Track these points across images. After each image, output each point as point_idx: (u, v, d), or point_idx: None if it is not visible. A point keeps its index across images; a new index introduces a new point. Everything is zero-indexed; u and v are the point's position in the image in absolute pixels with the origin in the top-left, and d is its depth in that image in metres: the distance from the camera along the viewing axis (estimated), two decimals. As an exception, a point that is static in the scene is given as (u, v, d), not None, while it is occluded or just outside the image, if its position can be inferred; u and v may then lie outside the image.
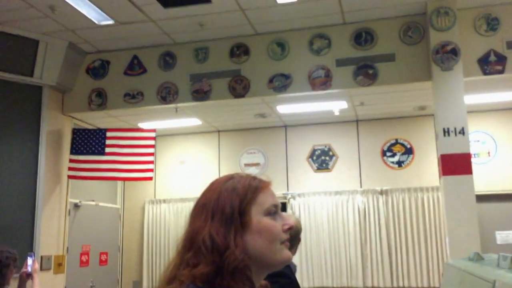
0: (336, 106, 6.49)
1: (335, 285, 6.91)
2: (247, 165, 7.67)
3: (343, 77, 5.79)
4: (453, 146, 5.13)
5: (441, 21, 5.37)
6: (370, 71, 5.69)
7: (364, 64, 5.72)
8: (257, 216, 1.06)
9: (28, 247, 5.76)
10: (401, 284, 6.74)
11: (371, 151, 7.22)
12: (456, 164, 5.06)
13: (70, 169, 6.43)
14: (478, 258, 2.74)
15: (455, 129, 5.13)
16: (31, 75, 6.13)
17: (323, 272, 6.97)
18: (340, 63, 5.82)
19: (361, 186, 7.15)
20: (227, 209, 1.04)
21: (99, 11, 5.44)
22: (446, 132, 5.15)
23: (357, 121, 7.36)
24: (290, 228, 1.10)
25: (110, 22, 5.71)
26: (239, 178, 1.12)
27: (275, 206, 1.10)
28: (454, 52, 5.27)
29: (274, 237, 1.06)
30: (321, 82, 5.85)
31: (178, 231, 7.62)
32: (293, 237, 2.43)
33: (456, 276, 3.07)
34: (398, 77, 5.65)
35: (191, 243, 1.03)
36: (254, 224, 1.05)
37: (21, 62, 6.05)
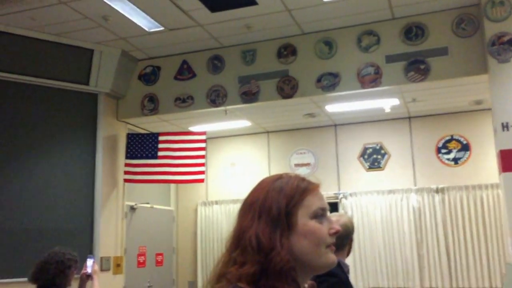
0: (387, 103, 6.35)
1: (390, 286, 6.77)
2: (297, 165, 7.64)
3: (393, 73, 5.67)
4: (512, 141, 4.90)
5: (496, 11, 5.15)
6: (422, 66, 5.54)
7: (415, 59, 5.57)
8: (303, 219, 1.06)
9: (88, 249, 6.00)
10: (460, 285, 6.51)
11: (425, 149, 7.02)
12: (516, 160, 4.83)
13: (125, 173, 6.64)
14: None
15: (514, 123, 4.90)
16: (87, 83, 6.38)
17: (378, 272, 6.83)
18: (390, 59, 5.69)
19: (415, 185, 6.97)
20: (274, 210, 1.04)
21: (149, 18, 5.59)
22: (505, 126, 4.93)
23: (409, 118, 7.18)
24: (336, 232, 1.09)
25: (160, 28, 5.85)
26: (287, 178, 1.11)
27: (322, 209, 1.09)
28: (511, 43, 5.04)
29: (320, 241, 1.06)
30: (370, 79, 5.75)
31: (230, 232, 7.68)
32: (344, 236, 2.40)
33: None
34: (451, 71, 5.46)
35: (238, 241, 1.04)
36: (300, 227, 1.05)
37: (77, 71, 6.31)
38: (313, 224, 1.06)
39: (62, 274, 3.08)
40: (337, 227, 1.09)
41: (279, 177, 1.12)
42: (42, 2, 5.18)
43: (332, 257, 1.08)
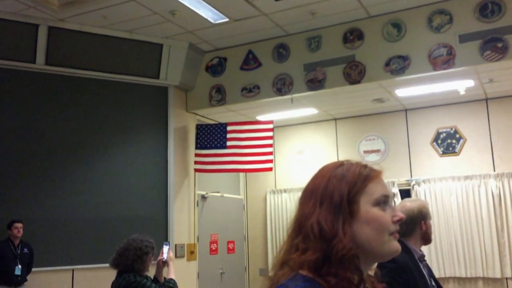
0: (462, 85, 6.05)
1: (468, 275, 6.50)
2: (366, 152, 7.49)
3: (467, 53, 5.38)
4: None
5: None
6: (499, 45, 5.21)
7: (491, 37, 5.26)
8: (366, 206, 1.04)
9: (163, 236, 6.25)
10: (546, 276, 6.13)
11: (505, 131, 6.62)
12: None
13: (195, 163, 6.82)
14: None
15: None
16: (157, 77, 6.60)
17: (455, 261, 6.58)
18: (464, 38, 5.41)
19: (494, 170, 6.61)
20: (336, 197, 1.03)
21: (215, 10, 5.67)
22: None
23: (486, 99, 6.79)
24: (399, 220, 1.06)
25: (225, 20, 5.92)
26: (349, 165, 1.10)
27: (385, 196, 1.07)
28: None
29: (383, 228, 1.04)
30: (443, 60, 5.50)
31: (292, 219, 7.69)
32: (408, 222, 2.34)
33: None
34: (533, 48, 5.10)
35: (300, 228, 1.04)
36: (362, 214, 1.03)
37: (148, 66, 6.54)
38: (376, 211, 1.04)
39: (140, 260, 3.22)
40: (400, 214, 1.07)
41: (340, 164, 1.11)
42: (114, 1, 5.40)
43: (395, 245, 1.06)
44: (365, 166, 1.10)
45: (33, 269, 5.55)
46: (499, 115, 6.71)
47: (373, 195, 1.05)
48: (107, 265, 6.03)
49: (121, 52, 6.33)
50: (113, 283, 3.29)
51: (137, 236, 3.35)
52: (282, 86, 6.37)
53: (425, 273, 2.36)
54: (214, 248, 7.36)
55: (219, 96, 6.79)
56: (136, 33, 6.25)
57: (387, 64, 5.76)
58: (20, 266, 5.38)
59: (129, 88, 6.51)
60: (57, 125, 6.06)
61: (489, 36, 5.26)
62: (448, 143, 6.95)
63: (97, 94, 6.35)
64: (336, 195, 1.03)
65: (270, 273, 1.09)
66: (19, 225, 5.45)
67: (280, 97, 6.42)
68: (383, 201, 1.06)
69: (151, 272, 3.47)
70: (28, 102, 5.95)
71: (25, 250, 5.52)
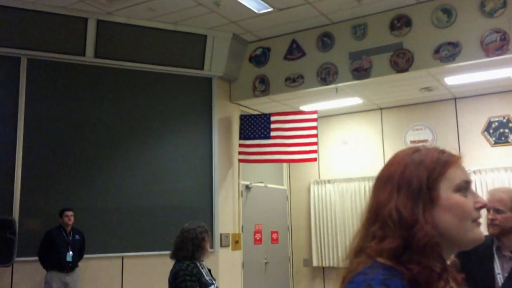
0: (516, 72, 5.80)
1: None
2: (413, 142, 7.31)
3: (523, 38, 5.14)
4: None
5: None
6: (558, 28, 4.95)
7: (549, 21, 5.00)
8: (446, 192, 1.00)
9: (209, 226, 6.30)
10: None
11: (562, 120, 6.32)
12: None
13: (240, 153, 6.86)
14: None
15: None
16: (202, 68, 6.65)
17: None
18: (519, 23, 5.17)
19: (549, 160, 6.32)
20: (414, 183, 1.00)
21: (259, 0, 5.65)
22: None
23: (542, 87, 6.49)
24: (482, 206, 1.02)
25: (269, 9, 5.89)
26: (426, 151, 1.06)
27: (466, 182, 1.03)
28: None
29: (465, 215, 1.00)
30: (496, 47, 5.28)
31: (344, 211, 7.64)
32: None
33: None
34: None
35: (376, 216, 1.02)
36: (443, 200, 1.00)
37: (192, 57, 6.61)
38: (458, 197, 1.01)
39: (199, 248, 3.32)
40: (483, 200, 1.02)
41: (416, 150, 1.07)
42: (159, -7, 5.46)
43: (479, 233, 1.02)
44: (443, 151, 1.07)
45: (85, 256, 5.74)
46: (556, 103, 6.40)
47: (454, 180, 1.02)
48: (155, 252, 6.20)
49: (166, 44, 6.42)
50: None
51: (189, 226, 3.41)
52: (327, 76, 6.29)
53: (497, 267, 2.24)
54: (258, 238, 7.40)
55: (262, 86, 6.78)
56: (181, 25, 6.31)
57: (437, 51, 5.59)
58: (71, 253, 5.57)
59: (175, 79, 6.60)
60: (107, 116, 6.23)
61: (547, 19, 5.01)
62: (500, 132, 6.69)
63: (144, 86, 6.47)
64: (415, 181, 1.01)
65: (345, 262, 1.08)
66: (70, 213, 5.64)
67: (324, 87, 6.34)
68: (464, 187, 1.02)
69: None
70: (79, 94, 6.13)
71: (77, 237, 5.71)
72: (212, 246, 5.66)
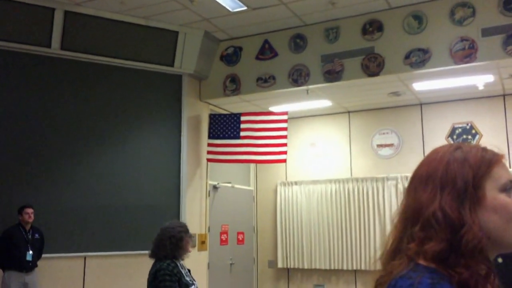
0: (481, 80, 5.97)
1: None
2: (379, 146, 7.42)
3: (490, 48, 5.30)
4: None
5: None
6: (523, 39, 5.13)
7: (515, 31, 5.17)
8: (492, 192, 0.96)
9: (175, 225, 6.20)
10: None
11: (522, 128, 6.55)
12: None
13: (208, 152, 6.77)
14: None
15: None
16: (172, 65, 6.53)
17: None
18: (487, 32, 5.32)
19: (510, 167, 6.53)
20: (459, 182, 0.96)
21: (234, -2, 5.59)
22: None
23: (504, 95, 6.71)
24: None
25: (243, 8, 5.84)
26: (468, 148, 1.02)
27: (511, 182, 1.00)
28: None
29: (511, 216, 0.97)
30: (464, 54, 5.42)
31: (310, 213, 7.67)
32: None
33: None
34: (558, 43, 5.02)
35: (417, 216, 0.96)
36: (489, 200, 0.96)
37: (163, 53, 6.47)
38: (504, 198, 0.97)
39: (177, 247, 3.27)
40: None
41: (458, 147, 1.03)
42: (132, -14, 5.32)
43: None
44: (486, 149, 1.03)
45: (44, 255, 5.51)
46: (516, 111, 6.64)
47: (500, 180, 0.98)
48: (119, 252, 6.03)
49: (136, 38, 6.26)
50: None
51: (169, 224, 3.37)
52: (298, 77, 6.29)
53: None
54: (224, 239, 7.33)
55: (233, 85, 6.72)
56: (152, 20, 6.17)
57: (407, 57, 5.68)
58: (31, 252, 5.35)
59: (144, 75, 6.44)
60: (71, 111, 6.01)
61: (513, 30, 5.18)
62: (463, 138, 6.88)
63: (112, 81, 6.28)
64: (460, 180, 0.96)
65: (376, 263, 1.02)
66: (30, 210, 5.41)
67: (296, 88, 6.34)
68: (510, 187, 0.99)
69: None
70: (42, 87, 5.89)
71: (36, 235, 5.48)
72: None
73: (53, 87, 5.95)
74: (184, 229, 3.34)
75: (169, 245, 3.25)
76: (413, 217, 0.97)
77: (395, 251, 0.98)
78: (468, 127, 6.89)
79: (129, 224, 6.09)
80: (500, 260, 2.23)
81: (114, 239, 5.98)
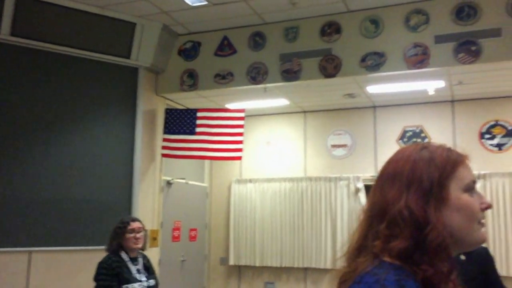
0: (432, 85, 6.18)
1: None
2: (334, 146, 7.55)
3: (442, 54, 5.49)
4: None
5: (556, -9, 4.90)
6: (473, 48, 5.35)
7: (466, 40, 5.38)
8: (456, 192, 0.99)
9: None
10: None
11: (468, 133, 6.84)
12: None
13: (163, 148, 6.67)
14: None
15: None
16: (128, 57, 6.38)
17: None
18: (439, 39, 5.51)
19: (455, 170, 6.80)
20: (425, 181, 0.98)
21: (194, -8, 5.53)
22: (561, 112, 4.74)
23: (452, 101, 6.98)
24: (487, 208, 1.03)
25: (203, 3, 5.78)
26: (434, 148, 1.05)
27: (474, 182, 1.03)
28: None
29: (473, 216, 1.00)
30: (417, 60, 5.59)
31: (263, 211, 7.71)
32: None
33: None
34: (504, 53, 5.26)
35: (383, 214, 0.98)
36: (453, 200, 0.98)
37: (119, 45, 6.31)
38: (467, 197, 1.00)
39: (115, 240, 3.22)
40: (488, 202, 1.03)
41: (424, 147, 1.05)
42: (89, -27, 5.15)
43: (483, 234, 1.02)
44: (450, 149, 1.05)
45: (-13, 250, 5.26)
46: (463, 117, 6.92)
47: (463, 180, 1.01)
48: (66, 248, 5.85)
49: (91, 28, 6.07)
50: None
51: (121, 218, 3.29)
52: (257, 75, 6.30)
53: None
54: (176, 235, 7.24)
55: (190, 81, 6.65)
56: (108, 9, 6.00)
57: (363, 60, 5.80)
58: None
59: (98, 66, 6.25)
60: (20, 100, 5.75)
61: (464, 38, 5.39)
62: (413, 141, 7.10)
63: (64, 71, 6.07)
64: (426, 179, 0.98)
65: (339, 261, 1.02)
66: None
67: (253, 86, 6.35)
68: (472, 187, 1.02)
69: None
70: (-11, 73, 5.61)
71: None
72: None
73: (1, 74, 5.67)
74: (121, 224, 3.30)
75: (112, 239, 3.21)
76: (379, 214, 0.98)
77: (360, 248, 0.99)
78: (418, 130, 7.12)
79: (78, 219, 5.91)
80: (463, 257, 2.34)
81: (61, 233, 5.78)
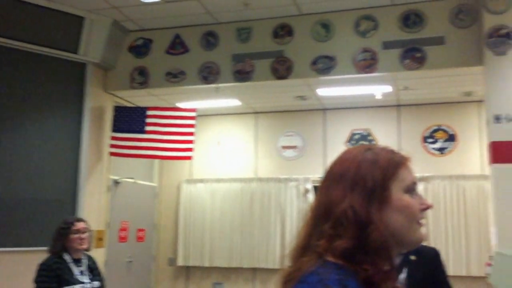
0: (380, 90, 6.37)
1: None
2: (284, 147, 7.63)
3: (389, 60, 5.67)
4: (504, 134, 4.98)
5: (495, 3, 5.18)
6: (418, 55, 5.55)
7: (412, 47, 5.58)
8: (398, 193, 1.01)
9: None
10: (438, 272, 6.64)
11: (412, 137, 7.09)
12: (506, 152, 4.91)
13: (111, 146, 6.51)
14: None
15: (507, 116, 4.97)
16: (76, 52, 6.18)
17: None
18: (387, 45, 5.68)
19: (400, 172, 7.03)
20: (369, 182, 1.00)
21: (146, -12, 5.43)
22: (497, 118, 5.00)
23: (398, 106, 7.22)
24: (427, 208, 1.06)
25: (156, 0, 5.69)
26: (378, 150, 1.07)
27: (415, 183, 1.06)
28: (509, 36, 5.09)
29: (414, 216, 1.02)
30: (366, 65, 5.74)
31: (213, 211, 7.68)
32: None
33: (512, 265, 2.99)
34: (447, 61, 5.49)
35: (327, 213, 0.99)
36: (395, 201, 1.00)
37: (66, 39, 6.11)
38: (408, 198, 1.02)
39: (60, 241, 3.12)
40: (427, 202, 1.06)
41: (368, 148, 1.07)
42: (35, -36, 4.96)
43: (422, 234, 1.05)
44: (393, 151, 1.08)
45: None
46: (408, 121, 7.17)
47: (405, 181, 1.03)
48: (7, 249, 5.58)
49: (38, 20, 5.84)
50: None
51: (64, 218, 3.19)
52: (209, 75, 6.27)
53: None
54: (123, 236, 7.09)
55: (141, 78, 6.53)
56: (56, 2, 5.80)
57: (314, 63, 5.90)
58: None
59: (44, 60, 6.02)
60: (-43, 93, 5.46)
61: (410, 45, 5.58)
62: (361, 144, 7.28)
63: (9, 64, 5.80)
64: (369, 180, 1.00)
65: (285, 260, 1.03)
66: None
67: (205, 86, 6.31)
68: (413, 188, 1.04)
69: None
70: None
71: None
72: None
73: None
74: (64, 225, 3.21)
75: (55, 239, 3.12)
76: (324, 214, 1.00)
77: (305, 247, 1.00)
78: (365, 133, 7.31)
79: (20, 218, 5.66)
80: (413, 257, 2.43)
81: (1, 234, 5.53)
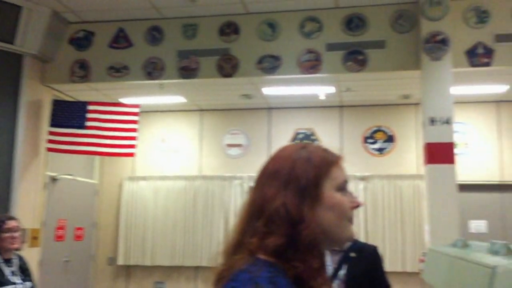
0: (323, 90, 6.49)
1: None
2: (229, 145, 7.63)
3: (332, 61, 5.79)
4: (438, 136, 5.21)
5: (433, 10, 5.41)
6: (360, 57, 5.70)
7: (354, 49, 5.73)
8: (330, 191, 1.03)
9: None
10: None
11: (354, 137, 7.29)
12: (440, 153, 5.15)
13: (49, 141, 6.26)
14: (464, 245, 2.79)
15: (441, 118, 5.21)
16: (12, 42, 5.89)
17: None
18: (331, 47, 5.80)
19: (342, 171, 7.20)
20: (302, 180, 1.00)
21: (88, -21, 5.26)
22: (432, 121, 5.23)
23: (341, 106, 7.40)
24: (357, 206, 1.08)
25: (98, -9, 5.53)
26: (312, 148, 1.08)
27: (346, 182, 1.08)
28: (444, 42, 5.33)
29: (344, 214, 1.04)
30: (310, 65, 5.83)
31: (156, 209, 7.56)
32: None
33: (443, 262, 3.13)
34: (387, 64, 5.68)
35: (261, 211, 0.99)
36: (327, 199, 1.02)
37: (2, 29, 5.81)
38: (340, 196, 1.04)
39: None
40: (358, 200, 1.08)
41: (303, 146, 1.08)
42: None
43: (352, 231, 1.07)
44: (326, 150, 1.09)
45: None
46: (350, 122, 7.36)
47: (337, 180, 1.04)
48: None
49: (-31, 7, 5.53)
50: None
51: None
52: (153, 70, 6.16)
53: (328, 260, 2.50)
54: (60, 235, 6.84)
55: (82, 72, 6.31)
56: (-10, -11, 5.51)
57: (260, 61, 5.93)
58: None
59: (-24, 50, 5.71)
60: None
61: (352, 48, 5.73)
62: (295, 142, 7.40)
63: None
64: (303, 178, 1.00)
65: (218, 258, 1.02)
66: None
67: (149, 81, 6.20)
68: (344, 186, 1.06)
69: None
70: None
71: None
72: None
73: None
74: (1, 222, 3.04)
75: None
76: (258, 211, 1.00)
77: (237, 245, 1.00)
78: (309, 133, 7.44)
79: None
80: (353, 254, 2.50)
81: None
